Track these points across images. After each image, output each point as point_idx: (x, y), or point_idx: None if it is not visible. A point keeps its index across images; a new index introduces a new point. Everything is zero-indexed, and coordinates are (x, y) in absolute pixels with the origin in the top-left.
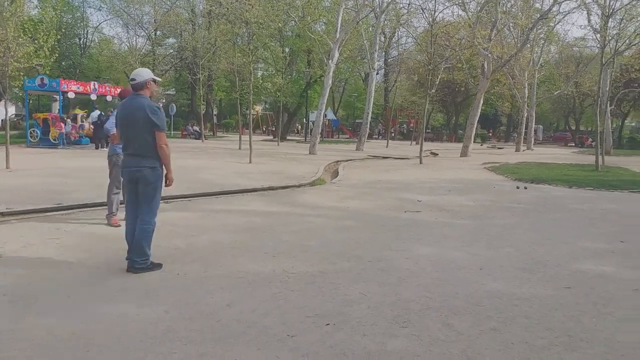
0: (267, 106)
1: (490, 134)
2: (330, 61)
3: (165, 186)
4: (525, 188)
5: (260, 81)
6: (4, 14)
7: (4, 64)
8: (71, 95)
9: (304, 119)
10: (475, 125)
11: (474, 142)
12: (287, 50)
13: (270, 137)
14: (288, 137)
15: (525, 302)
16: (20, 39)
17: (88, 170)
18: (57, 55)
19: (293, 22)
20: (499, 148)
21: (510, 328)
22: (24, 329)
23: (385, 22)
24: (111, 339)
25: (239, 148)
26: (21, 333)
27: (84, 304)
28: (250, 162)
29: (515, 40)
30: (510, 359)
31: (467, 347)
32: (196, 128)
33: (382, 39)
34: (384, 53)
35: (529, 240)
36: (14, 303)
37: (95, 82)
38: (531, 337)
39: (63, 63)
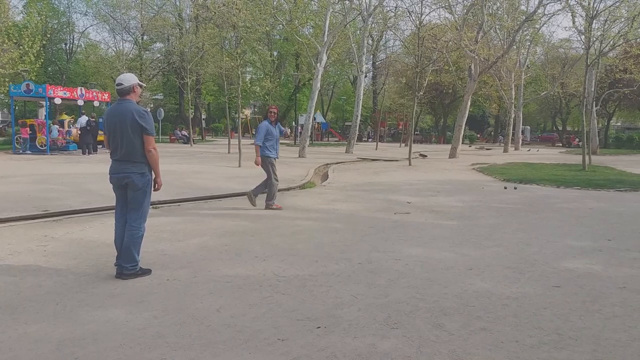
0: (256, 110)
1: (479, 136)
2: (318, 64)
3: (154, 190)
4: (515, 188)
5: (249, 85)
6: None
7: None
8: (58, 101)
9: (293, 122)
10: (463, 127)
11: (462, 143)
12: (275, 53)
13: None
14: None
15: (514, 302)
16: (4, 45)
17: (75, 176)
18: (42, 60)
19: (281, 25)
20: (487, 149)
21: (499, 327)
22: (11, 338)
23: (373, 25)
24: (100, 346)
25: (228, 152)
26: (8, 342)
27: (72, 311)
28: (239, 165)
29: (502, 42)
30: (500, 358)
31: (457, 347)
32: (185, 132)
33: (370, 42)
34: (371, 56)
35: (517, 240)
36: (1, 311)
37: (82, 88)
38: (521, 336)
39: (49, 69)
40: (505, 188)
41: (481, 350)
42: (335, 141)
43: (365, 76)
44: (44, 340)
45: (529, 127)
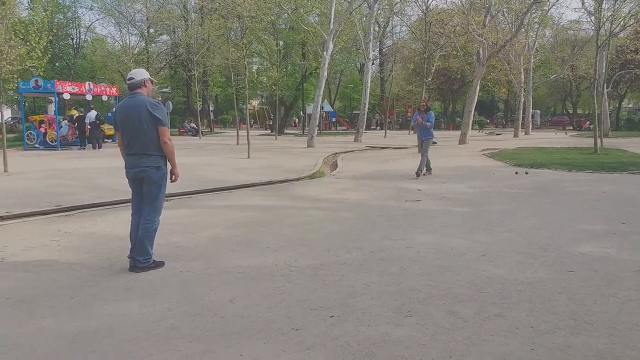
0: (263, 100)
1: (488, 121)
2: (325, 53)
3: (171, 181)
4: (527, 173)
5: (256, 75)
6: None
7: None
8: (66, 96)
9: (301, 112)
10: (472, 112)
11: (472, 129)
12: (281, 43)
13: (268, 132)
14: (286, 131)
15: (528, 287)
16: (12, 41)
17: (86, 171)
18: (50, 56)
19: (286, 14)
20: (497, 134)
21: (514, 313)
22: (27, 333)
23: (379, 11)
24: (115, 339)
25: (237, 143)
26: (25, 337)
27: (87, 304)
28: (248, 157)
29: (510, 25)
30: (516, 344)
31: (472, 334)
32: (193, 125)
33: (376, 28)
34: (378, 43)
35: (530, 225)
36: (17, 307)
37: (90, 82)
38: (536, 322)
39: (57, 64)
40: (517, 173)
41: (496, 337)
42: (344, 130)
43: (373, 63)
44: (60, 334)
45: (539, 111)
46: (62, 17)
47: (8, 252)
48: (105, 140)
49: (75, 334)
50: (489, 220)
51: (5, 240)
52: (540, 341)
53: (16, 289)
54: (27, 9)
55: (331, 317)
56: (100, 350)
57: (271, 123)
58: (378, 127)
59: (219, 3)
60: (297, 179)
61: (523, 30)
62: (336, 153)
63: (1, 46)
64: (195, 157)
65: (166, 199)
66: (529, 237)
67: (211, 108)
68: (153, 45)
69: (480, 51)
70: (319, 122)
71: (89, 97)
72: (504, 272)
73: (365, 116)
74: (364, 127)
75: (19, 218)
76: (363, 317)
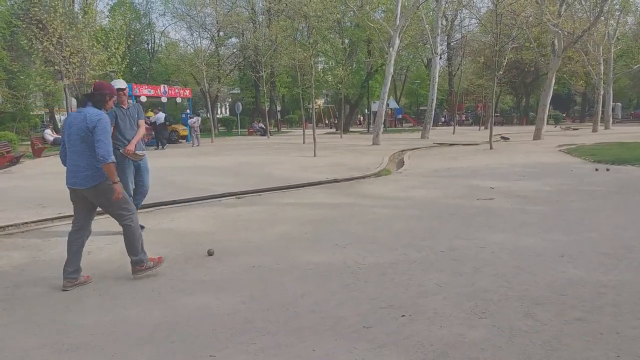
0: (328, 99)
1: (565, 115)
2: (391, 49)
3: None
4: (608, 170)
5: (321, 74)
6: (78, 25)
7: (81, 73)
8: (143, 99)
9: (366, 110)
10: (547, 107)
11: (547, 124)
12: (346, 41)
13: (333, 130)
14: (351, 129)
15: (612, 290)
16: (94, 48)
17: (161, 170)
18: (127, 61)
19: (352, 12)
20: (574, 129)
21: (597, 317)
22: (112, 322)
23: (447, 4)
24: (193, 330)
25: (303, 142)
26: (110, 326)
27: (166, 296)
28: (314, 155)
29: (588, 13)
30: (600, 350)
31: (551, 337)
32: (261, 125)
33: (444, 22)
34: (446, 37)
35: (612, 225)
36: (103, 297)
37: (165, 85)
38: (622, 327)
39: (134, 68)
40: (597, 170)
41: (578, 342)
42: (410, 127)
43: (440, 58)
44: (142, 324)
45: (620, 104)
46: (138, 25)
47: (94, 246)
48: (180, 140)
49: (155, 325)
50: (568, 219)
51: (92, 235)
52: (627, 348)
53: (102, 280)
54: (107, 17)
55: (402, 316)
56: (179, 340)
57: (336, 121)
58: (444, 123)
59: (286, 4)
60: (363, 177)
61: (602, 18)
62: (402, 150)
63: (85, 53)
64: (264, 156)
65: (237, 196)
66: (612, 237)
67: (278, 108)
68: (223, 48)
69: (556, 42)
70: (385, 120)
71: (164, 99)
72: (584, 274)
73: (433, 112)
74: (432, 123)
75: (102, 214)
76: (435, 318)
